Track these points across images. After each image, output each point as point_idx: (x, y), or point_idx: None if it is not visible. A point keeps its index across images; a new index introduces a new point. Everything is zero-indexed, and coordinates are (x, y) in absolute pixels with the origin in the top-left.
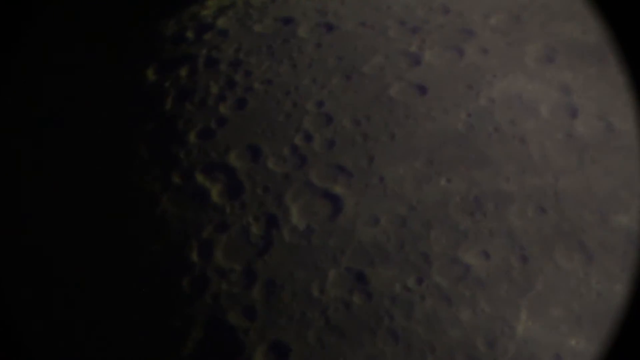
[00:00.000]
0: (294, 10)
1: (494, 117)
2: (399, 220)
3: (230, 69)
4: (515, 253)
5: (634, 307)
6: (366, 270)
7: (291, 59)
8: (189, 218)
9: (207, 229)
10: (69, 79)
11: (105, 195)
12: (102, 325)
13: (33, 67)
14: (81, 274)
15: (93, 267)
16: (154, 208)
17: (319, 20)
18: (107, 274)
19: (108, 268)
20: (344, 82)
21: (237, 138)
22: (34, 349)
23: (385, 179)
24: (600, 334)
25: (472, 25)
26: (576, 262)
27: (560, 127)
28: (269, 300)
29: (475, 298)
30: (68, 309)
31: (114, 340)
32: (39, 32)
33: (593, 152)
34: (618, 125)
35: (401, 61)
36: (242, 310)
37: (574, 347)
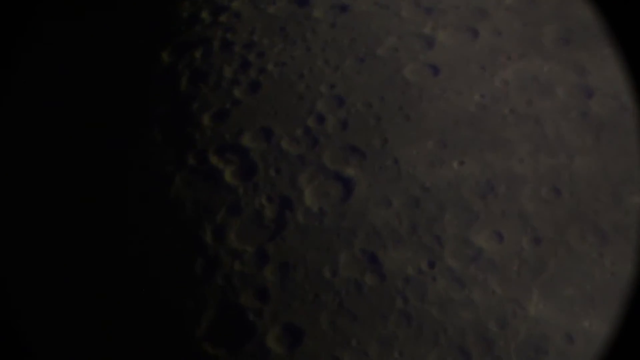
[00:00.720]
0: None
1: (508, 98)
2: (412, 202)
3: (244, 51)
4: (527, 235)
5: None
6: (379, 253)
7: (305, 41)
8: (202, 199)
9: (220, 211)
10: (84, 60)
11: (118, 177)
12: (115, 308)
13: (44, 49)
14: (94, 256)
15: (106, 248)
16: (167, 189)
17: (332, 1)
18: (121, 256)
19: (121, 249)
20: (357, 64)
21: (250, 120)
22: (40, 332)
23: (398, 161)
24: (614, 315)
25: (486, 5)
26: (590, 244)
27: (576, 107)
28: (281, 282)
29: (487, 280)
30: (78, 290)
31: (128, 321)
32: (47, 13)
33: (608, 132)
34: (633, 105)
35: (415, 42)
36: (255, 292)
37: (587, 328)
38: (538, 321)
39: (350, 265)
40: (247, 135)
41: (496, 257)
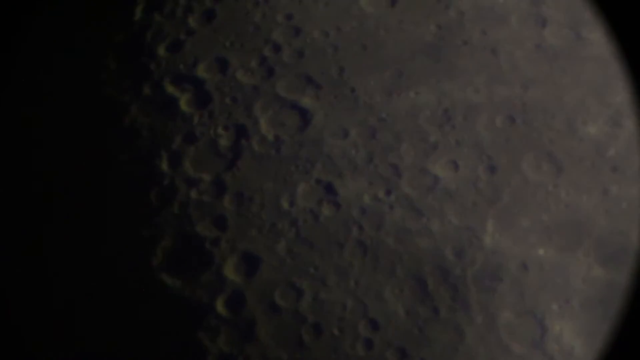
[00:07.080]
0: None
1: (464, 29)
2: (368, 132)
3: None
4: (483, 164)
5: None
6: (335, 182)
7: None
8: (158, 127)
9: (176, 139)
10: None
11: (74, 105)
12: (74, 235)
13: None
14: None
15: (65, 177)
16: (123, 118)
17: None
18: (77, 184)
19: (77, 177)
20: None
21: (205, 50)
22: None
23: (355, 91)
24: (569, 244)
25: None
26: (545, 173)
27: (530, 37)
28: (238, 211)
29: (444, 209)
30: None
31: (81, 246)
32: None
33: (562, 61)
34: (587, 35)
35: None
36: (212, 220)
37: (542, 256)
38: (494, 251)
39: (307, 194)
40: (202, 66)
41: (452, 186)
